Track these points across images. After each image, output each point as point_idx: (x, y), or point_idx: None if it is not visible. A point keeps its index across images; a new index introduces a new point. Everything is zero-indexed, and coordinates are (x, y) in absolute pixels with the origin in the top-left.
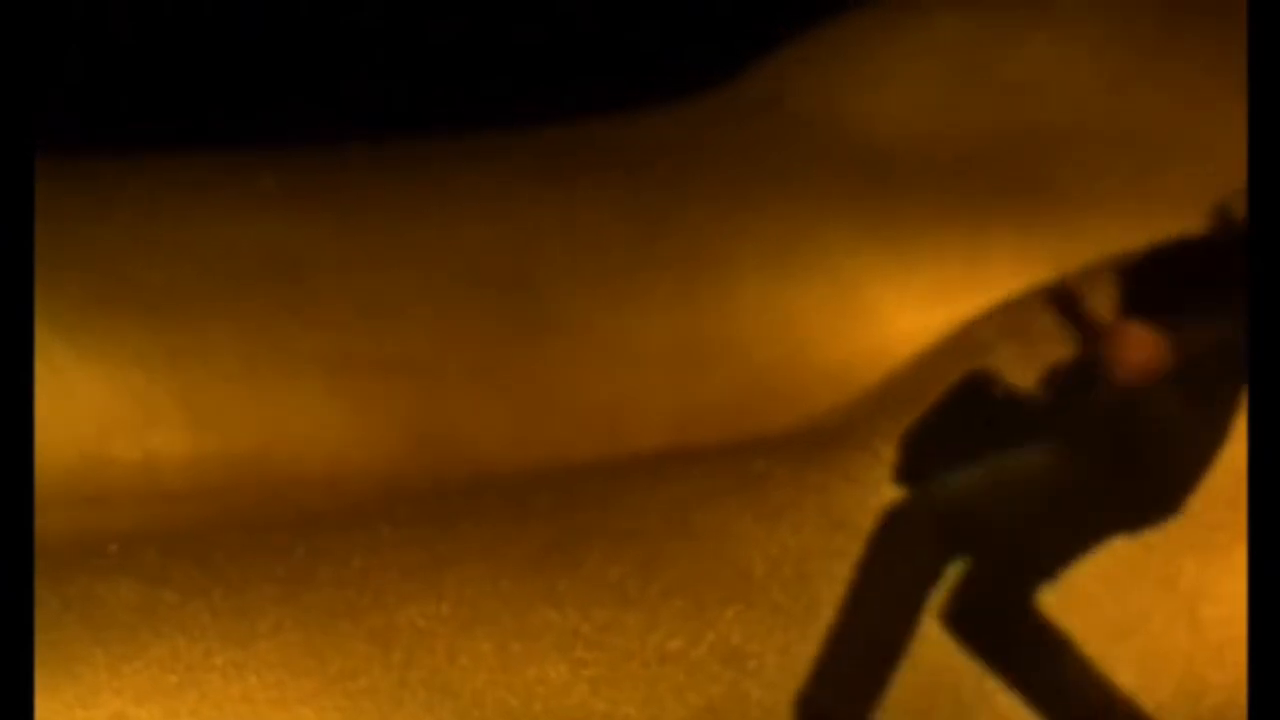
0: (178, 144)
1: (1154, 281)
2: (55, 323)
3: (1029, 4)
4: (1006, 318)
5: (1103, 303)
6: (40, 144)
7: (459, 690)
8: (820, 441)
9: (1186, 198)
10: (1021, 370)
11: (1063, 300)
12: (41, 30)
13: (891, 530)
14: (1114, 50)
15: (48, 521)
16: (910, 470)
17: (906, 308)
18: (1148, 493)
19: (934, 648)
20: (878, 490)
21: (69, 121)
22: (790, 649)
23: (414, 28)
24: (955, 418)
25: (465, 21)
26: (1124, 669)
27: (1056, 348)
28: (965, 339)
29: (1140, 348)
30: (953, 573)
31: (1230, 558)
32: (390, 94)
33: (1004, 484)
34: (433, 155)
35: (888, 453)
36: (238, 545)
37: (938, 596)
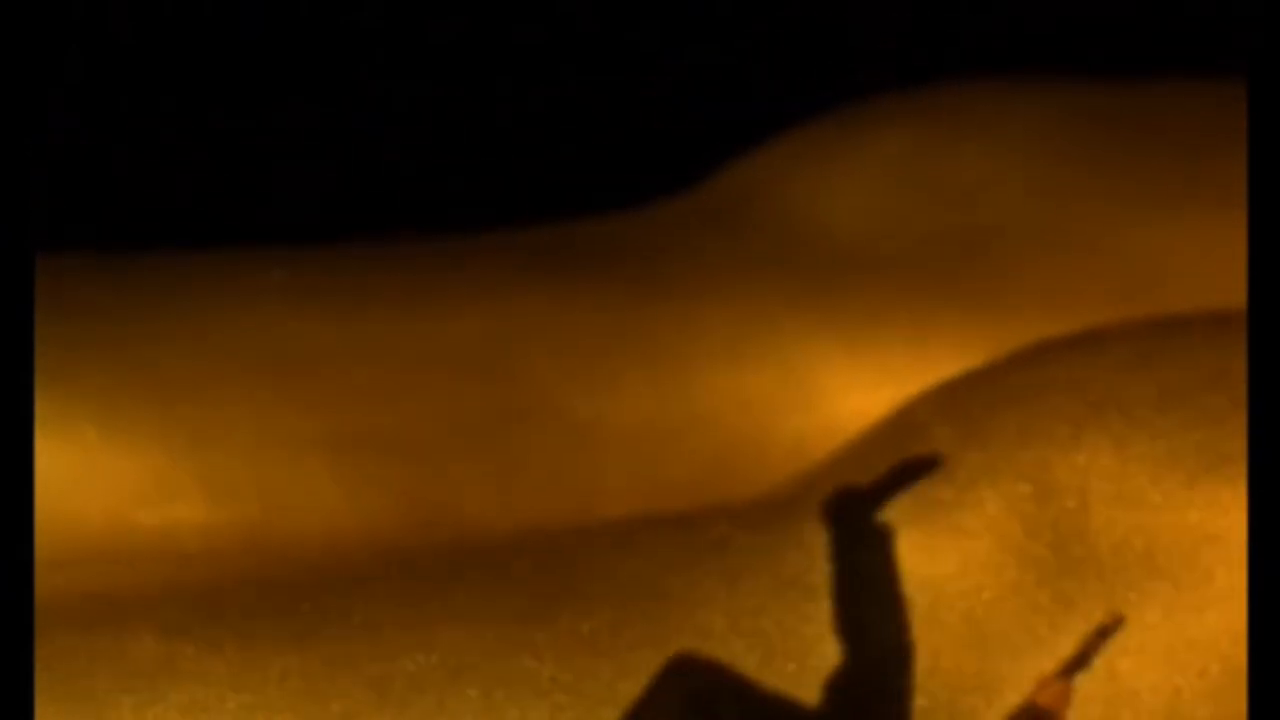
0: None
1: None
2: (85, 406)
3: (963, 121)
4: (943, 399)
5: None
6: (63, 236)
7: None
8: (775, 510)
9: (1105, 292)
10: (958, 447)
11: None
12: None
13: None
14: (1039, 159)
15: (79, 580)
16: None
17: (854, 390)
18: None
19: None
20: (825, 553)
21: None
22: (745, 695)
23: (389, 141)
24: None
25: (447, 133)
26: None
27: (989, 425)
28: (905, 418)
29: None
30: None
31: (1141, 617)
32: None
33: None
34: (425, 255)
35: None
36: (249, 603)
37: None
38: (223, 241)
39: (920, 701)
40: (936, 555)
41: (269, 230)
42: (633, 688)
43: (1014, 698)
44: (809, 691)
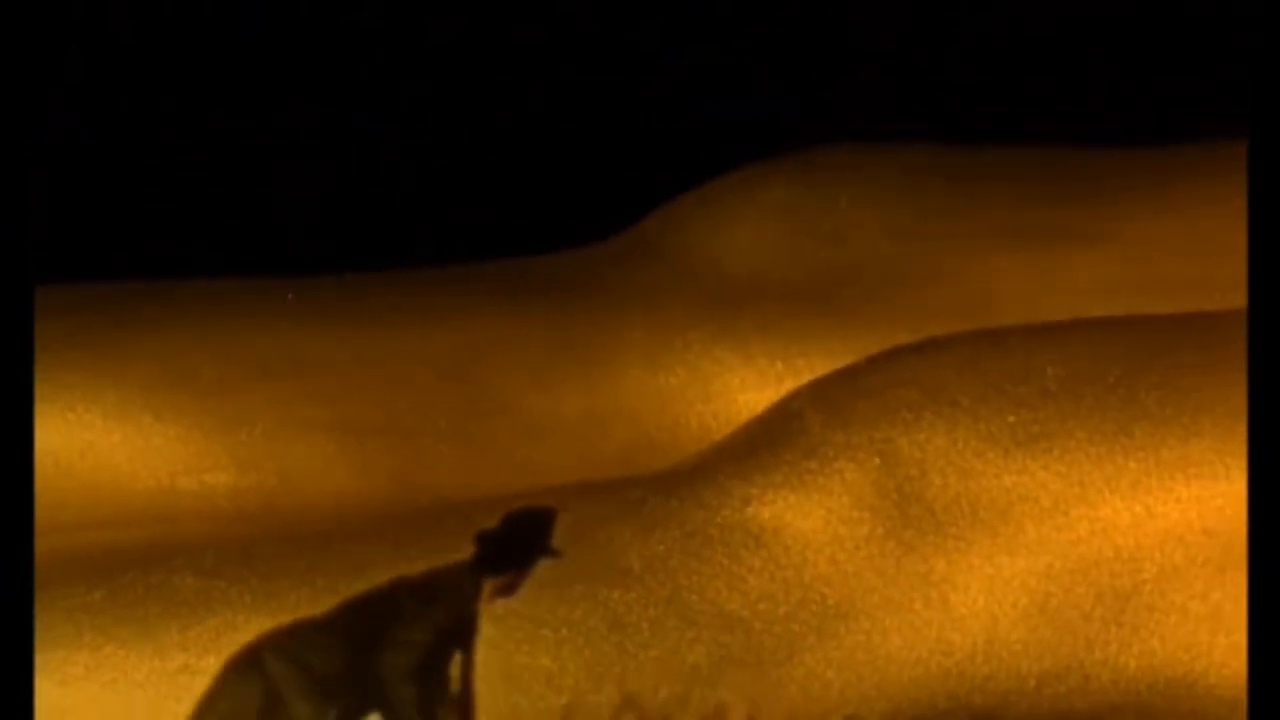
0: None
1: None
2: (141, 398)
3: (837, 178)
4: (813, 392)
5: None
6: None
7: None
8: (682, 479)
9: (944, 310)
10: (824, 429)
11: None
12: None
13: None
14: (895, 208)
15: (134, 535)
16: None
17: (746, 390)
18: None
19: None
20: (719, 511)
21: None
22: (658, 620)
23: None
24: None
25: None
26: (895, 635)
27: (849, 412)
28: (784, 407)
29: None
30: None
31: (967, 558)
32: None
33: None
34: (410, 282)
35: (728, 485)
36: (270, 550)
37: None
38: (222, 242)
39: (793, 627)
40: (807, 513)
41: (268, 232)
42: (569, 611)
43: (866, 623)
44: (706, 618)
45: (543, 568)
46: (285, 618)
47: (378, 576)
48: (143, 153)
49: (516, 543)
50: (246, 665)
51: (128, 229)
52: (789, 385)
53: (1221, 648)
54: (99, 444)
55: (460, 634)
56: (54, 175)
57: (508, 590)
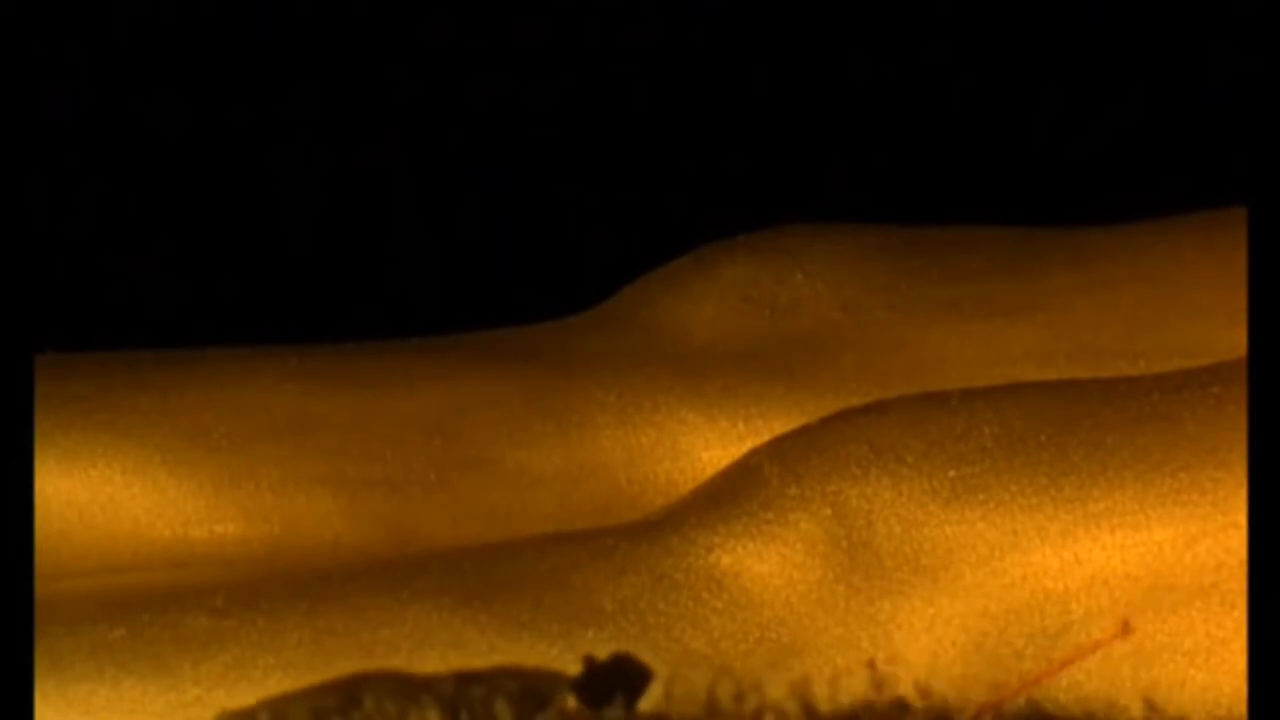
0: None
1: None
2: (157, 455)
3: (792, 256)
4: (771, 449)
5: None
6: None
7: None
8: (650, 528)
9: (890, 376)
10: (781, 482)
11: None
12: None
13: None
14: (845, 284)
15: (151, 579)
16: None
17: (709, 448)
18: None
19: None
20: (685, 557)
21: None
22: (622, 659)
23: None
24: None
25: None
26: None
27: (803, 467)
28: (744, 463)
29: None
30: None
31: (910, 600)
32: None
33: None
34: (400, 349)
35: (693, 534)
36: (274, 592)
37: None
38: (221, 242)
39: (752, 663)
40: (765, 559)
41: (266, 233)
42: (548, 649)
43: (818, 659)
44: (673, 655)
45: (519, 610)
46: (289, 654)
47: (372, 617)
48: (143, 152)
49: (614, 683)
50: None
51: (126, 229)
52: (749, 443)
53: (1143, 681)
54: (119, 497)
55: None
56: (53, 175)
57: None
